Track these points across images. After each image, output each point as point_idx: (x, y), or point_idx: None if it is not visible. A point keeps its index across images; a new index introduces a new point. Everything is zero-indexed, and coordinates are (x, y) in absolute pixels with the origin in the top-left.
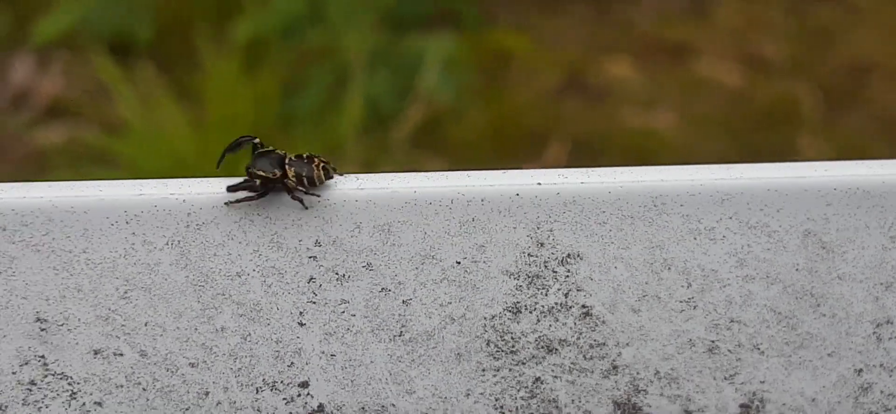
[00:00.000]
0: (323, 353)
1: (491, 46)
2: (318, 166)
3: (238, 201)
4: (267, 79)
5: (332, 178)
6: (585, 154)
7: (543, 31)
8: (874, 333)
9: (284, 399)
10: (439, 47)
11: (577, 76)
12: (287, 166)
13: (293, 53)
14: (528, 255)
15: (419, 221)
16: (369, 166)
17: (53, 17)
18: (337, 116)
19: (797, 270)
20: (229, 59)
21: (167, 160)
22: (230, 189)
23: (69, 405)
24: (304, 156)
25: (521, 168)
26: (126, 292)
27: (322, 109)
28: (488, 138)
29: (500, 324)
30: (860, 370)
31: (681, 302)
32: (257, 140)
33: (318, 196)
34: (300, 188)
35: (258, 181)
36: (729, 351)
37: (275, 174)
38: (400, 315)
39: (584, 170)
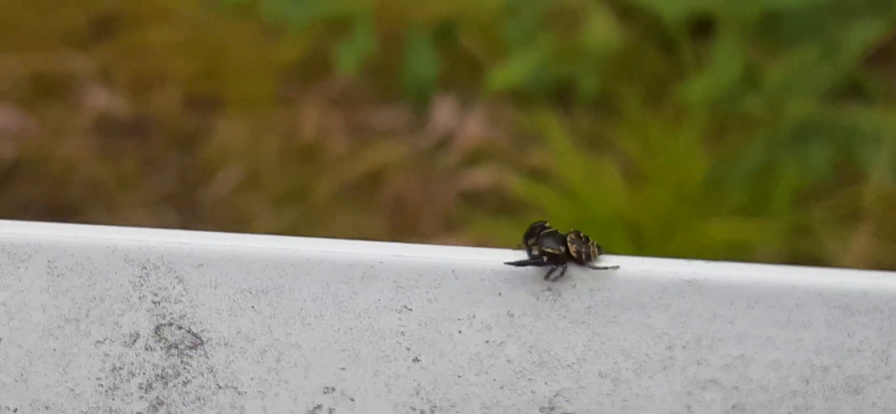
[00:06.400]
0: None
1: None
2: (593, 244)
3: (520, 264)
4: (702, 142)
5: (602, 254)
6: None
7: None
8: None
9: None
10: (880, 122)
11: None
12: (569, 243)
13: (727, 117)
14: None
15: None
16: (800, 235)
17: (508, 68)
18: (770, 185)
19: None
20: (670, 119)
21: (601, 216)
22: (515, 265)
23: None
24: (582, 235)
25: None
26: None
27: (754, 177)
28: None
29: None
30: None
31: None
32: (547, 223)
33: (599, 268)
34: (580, 261)
35: (545, 258)
36: None
37: (560, 250)
38: None
39: None
